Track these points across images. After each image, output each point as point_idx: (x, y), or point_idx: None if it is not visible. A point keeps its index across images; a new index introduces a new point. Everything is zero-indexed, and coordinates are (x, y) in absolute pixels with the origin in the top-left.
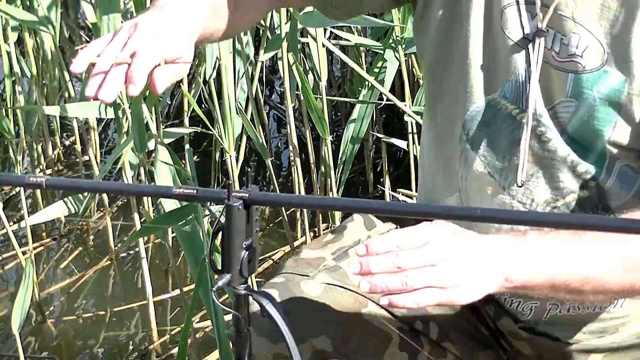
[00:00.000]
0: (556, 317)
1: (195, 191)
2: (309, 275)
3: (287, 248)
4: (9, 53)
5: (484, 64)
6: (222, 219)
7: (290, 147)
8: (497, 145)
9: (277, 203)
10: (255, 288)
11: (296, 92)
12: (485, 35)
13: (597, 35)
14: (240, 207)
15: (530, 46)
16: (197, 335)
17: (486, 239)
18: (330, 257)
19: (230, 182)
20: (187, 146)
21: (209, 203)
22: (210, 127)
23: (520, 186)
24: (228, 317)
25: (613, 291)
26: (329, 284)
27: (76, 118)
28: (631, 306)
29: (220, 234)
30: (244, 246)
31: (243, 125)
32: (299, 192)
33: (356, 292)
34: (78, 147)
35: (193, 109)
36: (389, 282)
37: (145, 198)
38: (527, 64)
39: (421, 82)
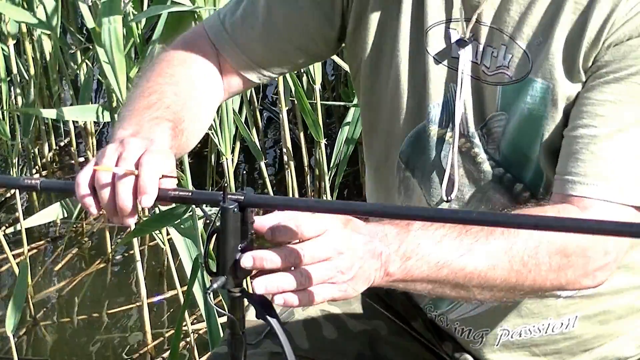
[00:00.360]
0: (508, 342)
1: (190, 193)
2: (252, 344)
3: None
4: (7, 56)
5: (414, 90)
6: (218, 222)
7: (284, 150)
8: (434, 172)
9: (272, 205)
10: (251, 290)
11: (290, 97)
12: (412, 59)
13: (521, 44)
14: (235, 209)
15: (443, 59)
16: (192, 337)
17: (370, 230)
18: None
19: (226, 184)
20: (186, 161)
21: (204, 205)
22: (207, 130)
23: (448, 201)
24: (221, 320)
25: (499, 287)
26: (273, 352)
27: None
28: (583, 326)
29: (215, 236)
30: (239, 249)
31: (237, 127)
32: (293, 195)
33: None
34: (74, 148)
35: None
36: (284, 284)
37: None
38: (455, 84)
39: None
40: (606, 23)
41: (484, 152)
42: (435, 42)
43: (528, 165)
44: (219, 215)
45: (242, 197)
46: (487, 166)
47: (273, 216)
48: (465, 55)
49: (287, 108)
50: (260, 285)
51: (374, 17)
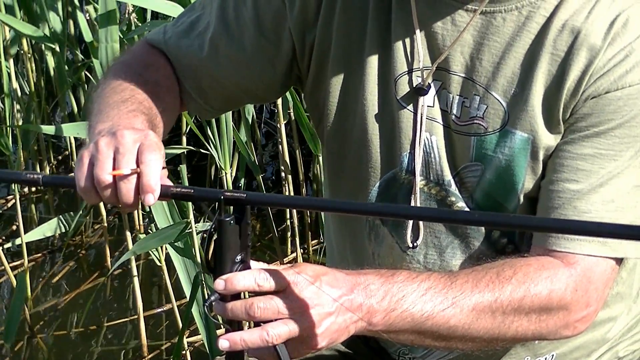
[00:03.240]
0: None
1: (191, 190)
2: None
3: (277, 264)
4: (8, 72)
5: (383, 137)
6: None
7: (282, 166)
8: (406, 221)
9: (274, 203)
10: None
11: (287, 110)
12: (381, 107)
13: (496, 95)
14: (232, 221)
15: (411, 106)
16: (188, 351)
17: (350, 282)
18: None
19: (222, 197)
20: (183, 165)
21: (205, 212)
22: (207, 145)
23: (413, 247)
24: (220, 332)
25: (481, 338)
26: None
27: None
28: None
29: (212, 249)
30: (237, 260)
31: (234, 141)
32: (291, 210)
33: None
34: (73, 162)
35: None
36: (249, 340)
37: (135, 215)
38: (436, 132)
39: None
40: (585, 74)
41: (461, 200)
42: (405, 90)
43: (505, 213)
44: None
45: (244, 195)
46: None
47: (237, 278)
48: (424, 103)
49: (285, 122)
50: (224, 343)
51: (337, 68)
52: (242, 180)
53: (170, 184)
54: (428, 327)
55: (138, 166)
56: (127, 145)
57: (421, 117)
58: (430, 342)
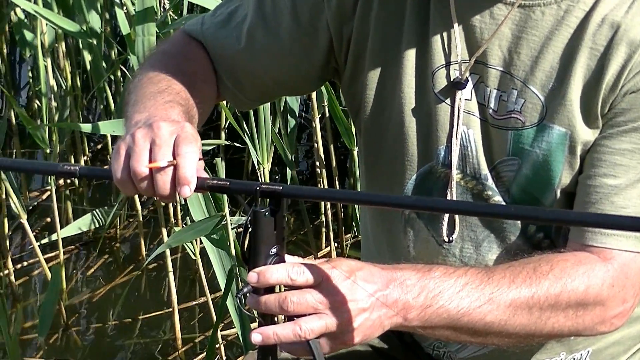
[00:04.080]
0: None
1: (227, 183)
2: None
3: (311, 258)
4: (45, 66)
5: (420, 131)
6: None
7: (317, 160)
8: (441, 214)
9: (310, 196)
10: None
11: (322, 104)
12: (418, 100)
13: (534, 89)
14: (267, 213)
15: (448, 99)
16: (222, 343)
17: (385, 277)
18: None
19: (258, 188)
20: (219, 159)
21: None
22: (245, 139)
23: (449, 242)
24: (254, 325)
25: (517, 334)
26: None
27: None
28: None
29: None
30: (271, 253)
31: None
32: (325, 204)
33: None
34: (110, 151)
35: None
36: (282, 335)
37: (171, 208)
38: (473, 125)
39: None
40: (624, 69)
41: (497, 194)
42: (443, 84)
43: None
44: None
45: (280, 187)
46: None
47: (270, 271)
48: (461, 96)
49: (319, 115)
50: (256, 337)
51: (374, 60)
52: (276, 177)
53: (207, 176)
54: (464, 324)
55: (174, 158)
56: (164, 137)
57: (458, 110)
58: (466, 338)
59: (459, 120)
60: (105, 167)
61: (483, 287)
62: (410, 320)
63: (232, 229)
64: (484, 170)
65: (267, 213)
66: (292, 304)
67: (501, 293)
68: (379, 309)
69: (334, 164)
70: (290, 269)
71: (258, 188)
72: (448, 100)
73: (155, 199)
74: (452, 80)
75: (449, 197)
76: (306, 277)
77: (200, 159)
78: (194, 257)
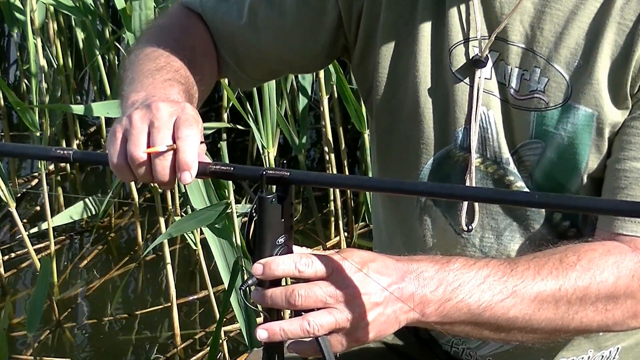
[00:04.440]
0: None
1: (231, 168)
2: None
3: (320, 249)
4: (35, 45)
5: (436, 112)
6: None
7: (325, 145)
8: (460, 202)
9: (319, 182)
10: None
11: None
12: (434, 79)
13: (558, 67)
14: (273, 200)
15: (467, 79)
16: (224, 339)
17: (401, 269)
18: None
19: (264, 172)
20: (224, 143)
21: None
22: (250, 122)
23: (468, 231)
24: (259, 320)
25: (543, 330)
26: None
27: None
28: (624, 358)
29: (252, 229)
30: (278, 243)
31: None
32: (334, 190)
33: None
34: (104, 134)
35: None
36: (289, 330)
37: (169, 195)
38: (486, 107)
39: None
40: None
41: (520, 179)
42: (460, 62)
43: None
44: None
45: (288, 173)
46: None
47: (276, 262)
48: (481, 75)
49: (327, 96)
50: (262, 333)
51: (386, 37)
52: (283, 162)
53: (209, 160)
54: (486, 319)
55: (174, 142)
56: (163, 119)
57: (477, 90)
58: (488, 334)
59: (478, 101)
60: (100, 151)
61: (506, 280)
62: (428, 316)
63: (238, 216)
64: (505, 154)
65: (273, 200)
66: (300, 297)
67: (525, 286)
68: (393, 304)
69: (343, 148)
70: (298, 260)
71: (264, 173)
72: (467, 80)
73: (152, 185)
74: (471, 58)
75: (467, 183)
76: (315, 269)
77: (201, 143)
78: (194, 248)
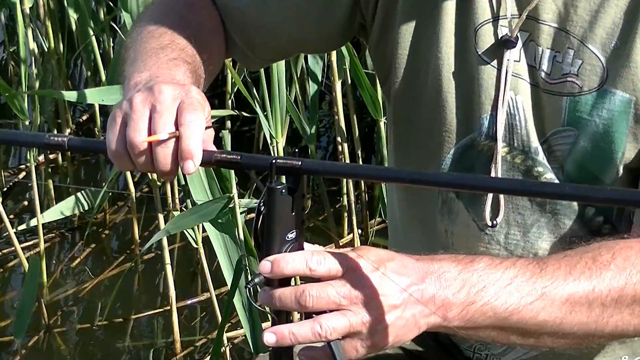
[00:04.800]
0: None
1: (238, 157)
2: None
3: (332, 247)
4: (25, 26)
5: (460, 97)
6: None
7: (338, 136)
8: (484, 194)
9: (332, 173)
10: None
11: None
12: (459, 61)
13: (593, 48)
14: (284, 190)
15: (494, 61)
16: (227, 346)
17: (420, 269)
18: None
19: (274, 161)
20: (226, 131)
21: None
22: (256, 109)
23: (493, 226)
24: (265, 325)
25: (575, 335)
26: None
27: None
28: None
29: (260, 223)
30: (287, 239)
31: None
32: (347, 181)
33: None
34: (98, 127)
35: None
36: (299, 334)
37: (168, 189)
38: (514, 92)
39: None
40: None
41: (550, 170)
42: (487, 43)
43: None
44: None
45: (299, 163)
46: None
47: (286, 260)
48: (510, 57)
49: (340, 81)
50: (270, 337)
51: (407, 15)
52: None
53: (214, 149)
54: (513, 323)
55: (177, 128)
56: (166, 102)
57: (506, 73)
58: (516, 339)
59: (506, 85)
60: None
61: (535, 281)
62: (451, 320)
63: (241, 213)
64: (534, 143)
65: (284, 191)
66: (312, 298)
67: (556, 287)
68: (413, 306)
69: (357, 136)
70: (310, 257)
71: (274, 162)
72: (494, 62)
73: (150, 177)
74: (500, 38)
75: (492, 174)
76: (328, 267)
77: (208, 128)
78: (195, 247)
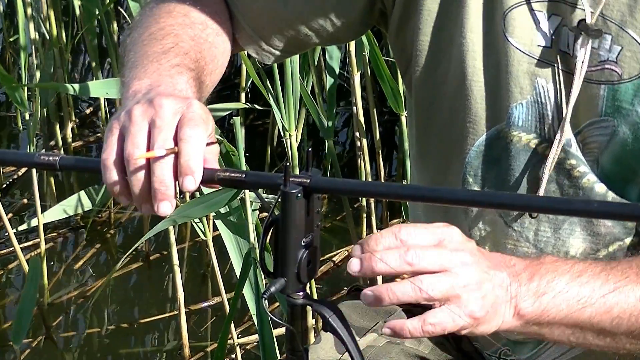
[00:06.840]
0: None
1: (243, 175)
2: None
3: (350, 248)
4: (25, 13)
5: (487, 86)
6: (277, 211)
7: (357, 131)
8: (513, 187)
9: (344, 191)
10: (315, 297)
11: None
12: (485, 47)
13: (633, 33)
14: (299, 194)
15: (524, 47)
16: (239, 352)
17: (496, 256)
18: None
19: (288, 164)
20: (238, 122)
21: (261, 191)
22: (270, 101)
23: (534, 217)
24: (277, 332)
25: None
26: None
27: None
28: None
29: (273, 229)
30: (303, 244)
31: (301, 97)
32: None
33: None
34: (102, 120)
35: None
36: (398, 291)
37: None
38: (553, 79)
39: None
40: None
41: (583, 164)
42: (517, 28)
43: (633, 183)
44: (279, 201)
45: (308, 181)
46: (586, 181)
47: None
48: (584, 49)
49: (359, 72)
50: (368, 295)
51: (429, 1)
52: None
53: (217, 166)
54: (586, 317)
55: (176, 144)
56: (166, 117)
57: (580, 65)
58: (592, 339)
59: (575, 76)
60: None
61: (607, 275)
62: (524, 314)
63: (253, 210)
64: (567, 133)
65: (299, 194)
66: (417, 256)
67: (629, 283)
68: (497, 288)
69: (377, 133)
70: (397, 231)
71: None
72: (530, 50)
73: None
74: (538, 23)
75: (522, 169)
76: (420, 239)
77: (211, 144)
78: (205, 248)
